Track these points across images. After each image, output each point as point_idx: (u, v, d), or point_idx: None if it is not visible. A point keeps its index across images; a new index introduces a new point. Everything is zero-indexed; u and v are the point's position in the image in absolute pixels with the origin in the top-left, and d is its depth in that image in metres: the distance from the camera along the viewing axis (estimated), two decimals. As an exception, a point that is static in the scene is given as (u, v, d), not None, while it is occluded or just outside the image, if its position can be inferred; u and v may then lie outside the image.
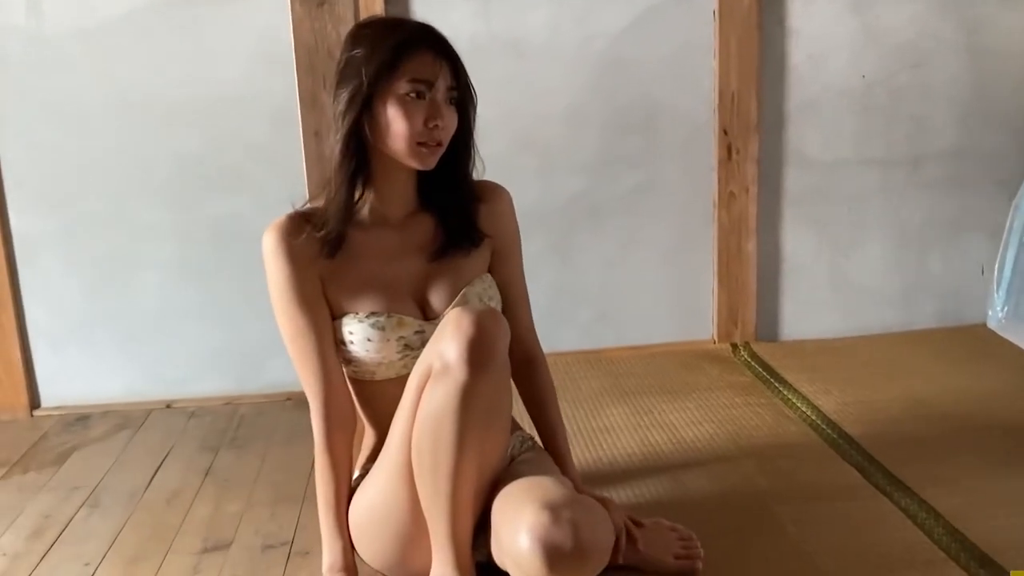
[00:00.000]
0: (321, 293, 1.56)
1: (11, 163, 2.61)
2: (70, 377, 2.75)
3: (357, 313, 1.55)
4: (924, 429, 2.26)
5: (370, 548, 1.61)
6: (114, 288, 2.72)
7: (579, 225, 2.85)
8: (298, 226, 1.55)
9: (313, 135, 1.67)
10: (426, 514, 1.47)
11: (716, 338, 2.93)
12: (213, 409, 2.74)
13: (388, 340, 1.54)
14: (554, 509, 1.32)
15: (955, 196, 2.99)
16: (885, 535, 1.77)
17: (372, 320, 1.54)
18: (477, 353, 1.35)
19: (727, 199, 2.84)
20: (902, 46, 2.86)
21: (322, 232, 1.53)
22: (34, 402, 2.76)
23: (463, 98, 1.55)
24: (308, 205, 1.61)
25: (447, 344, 1.36)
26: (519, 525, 1.33)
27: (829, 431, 2.26)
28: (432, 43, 1.50)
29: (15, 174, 2.62)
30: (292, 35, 1.66)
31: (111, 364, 2.76)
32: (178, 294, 2.73)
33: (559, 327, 2.87)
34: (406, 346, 1.55)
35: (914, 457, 2.10)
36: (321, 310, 1.56)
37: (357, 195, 1.54)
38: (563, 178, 2.81)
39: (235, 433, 2.57)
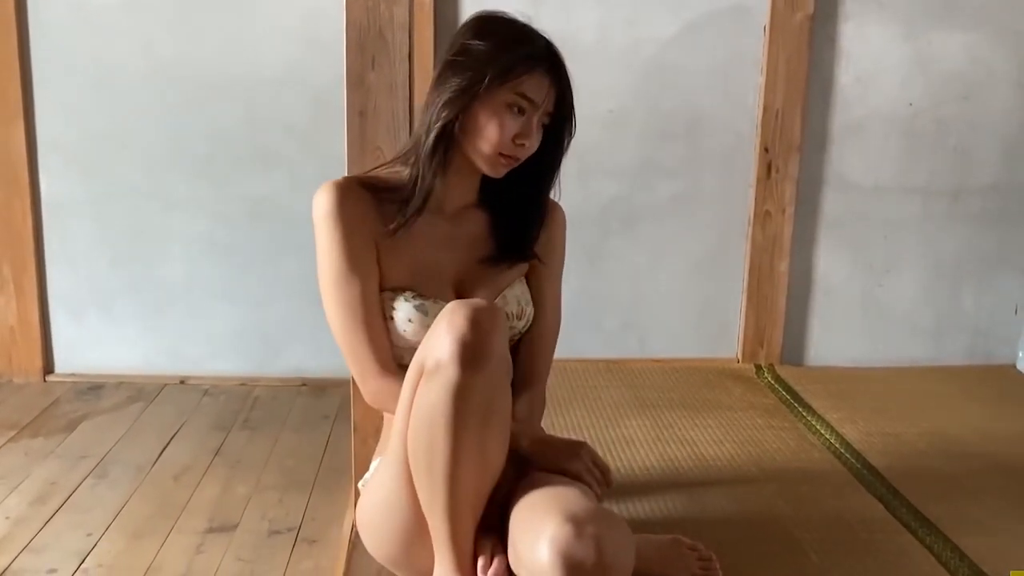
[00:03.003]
0: (375, 261, 1.50)
1: (46, 127, 2.60)
2: (86, 345, 2.73)
3: (404, 291, 1.51)
4: (950, 466, 2.20)
5: (376, 542, 1.56)
6: (139, 259, 2.70)
7: (612, 231, 2.81)
8: (356, 190, 1.50)
9: (358, 115, 1.63)
10: (426, 515, 1.42)
11: (740, 357, 2.89)
12: (228, 389, 2.72)
13: (427, 326, 1.50)
14: (577, 523, 1.26)
15: (994, 232, 2.94)
16: (909, 572, 1.72)
17: (417, 302, 1.50)
18: (470, 351, 1.28)
19: (763, 217, 2.79)
20: (952, 76, 2.81)
21: (398, 210, 1.49)
22: (48, 367, 2.74)
23: (561, 124, 1.53)
24: (371, 172, 1.57)
25: (439, 340, 1.30)
26: (540, 536, 1.27)
27: (853, 461, 2.20)
28: (554, 69, 1.47)
29: (49, 138, 2.61)
30: (344, 12, 1.62)
31: (129, 335, 2.74)
32: (203, 270, 2.71)
33: (583, 333, 2.83)
34: None
35: (939, 494, 2.04)
36: (371, 280, 1.50)
37: (437, 181, 1.50)
38: (600, 183, 2.77)
39: (248, 415, 2.54)
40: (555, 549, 1.24)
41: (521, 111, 1.46)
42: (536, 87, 1.45)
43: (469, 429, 1.32)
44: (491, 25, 1.50)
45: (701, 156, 2.79)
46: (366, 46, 1.65)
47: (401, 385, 1.46)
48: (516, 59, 1.44)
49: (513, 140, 1.46)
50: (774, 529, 1.87)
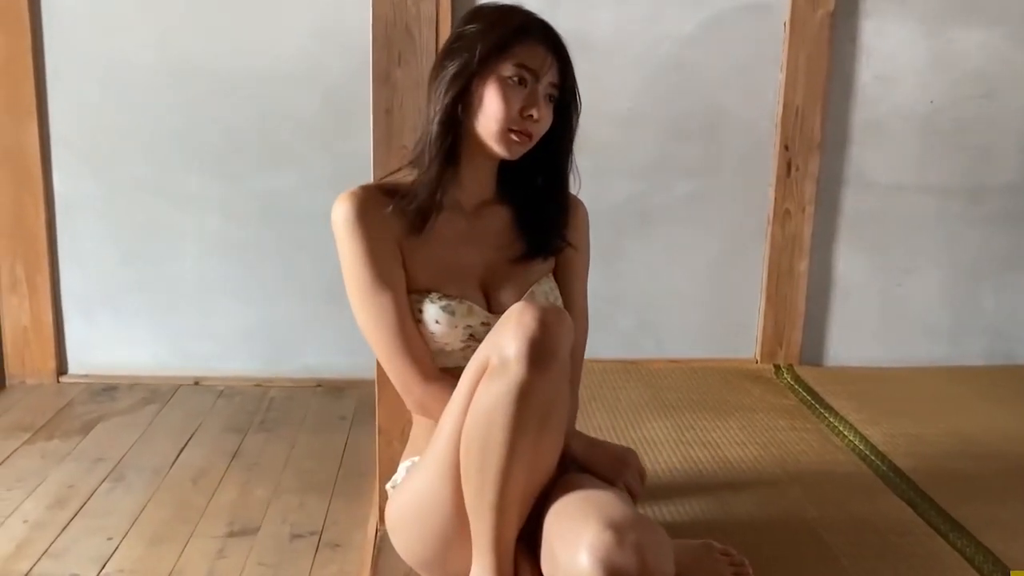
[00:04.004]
0: (401, 266, 1.48)
1: (59, 122, 2.58)
2: (99, 345, 2.71)
3: (429, 293, 1.48)
4: (976, 468, 2.18)
5: (408, 544, 1.54)
6: (151, 257, 2.67)
7: (628, 230, 2.78)
8: (375, 197, 1.48)
9: (384, 112, 1.60)
10: (469, 515, 1.40)
11: (759, 357, 2.86)
12: (242, 390, 2.69)
13: (456, 326, 1.48)
14: (619, 530, 1.24)
15: (1013, 231, 2.91)
16: (943, 577, 1.70)
17: (443, 303, 1.48)
18: (537, 351, 1.27)
19: (782, 216, 2.77)
20: (972, 74, 2.79)
21: (411, 205, 1.46)
22: (61, 368, 2.71)
23: (566, 102, 1.50)
24: (387, 179, 1.55)
25: (507, 339, 1.29)
26: (580, 543, 1.25)
27: (878, 462, 2.18)
28: (547, 37, 1.46)
29: (61, 133, 2.58)
30: (371, 8, 1.60)
31: (142, 335, 2.71)
32: (216, 268, 2.69)
33: (599, 333, 2.76)
34: (471, 336, 1.49)
35: (968, 497, 2.01)
36: (400, 288, 1.48)
37: (449, 172, 1.48)
38: (616, 181, 2.74)
39: (264, 416, 2.51)
40: (596, 557, 1.22)
41: (523, 82, 1.44)
42: (532, 54, 1.44)
43: (527, 430, 1.30)
44: (481, 10, 1.51)
45: (719, 155, 2.76)
46: (393, 42, 1.63)
47: (445, 390, 1.45)
48: (508, 30, 1.44)
49: (521, 113, 1.44)
50: (803, 533, 1.84)
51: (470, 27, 1.47)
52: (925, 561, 1.74)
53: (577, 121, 1.54)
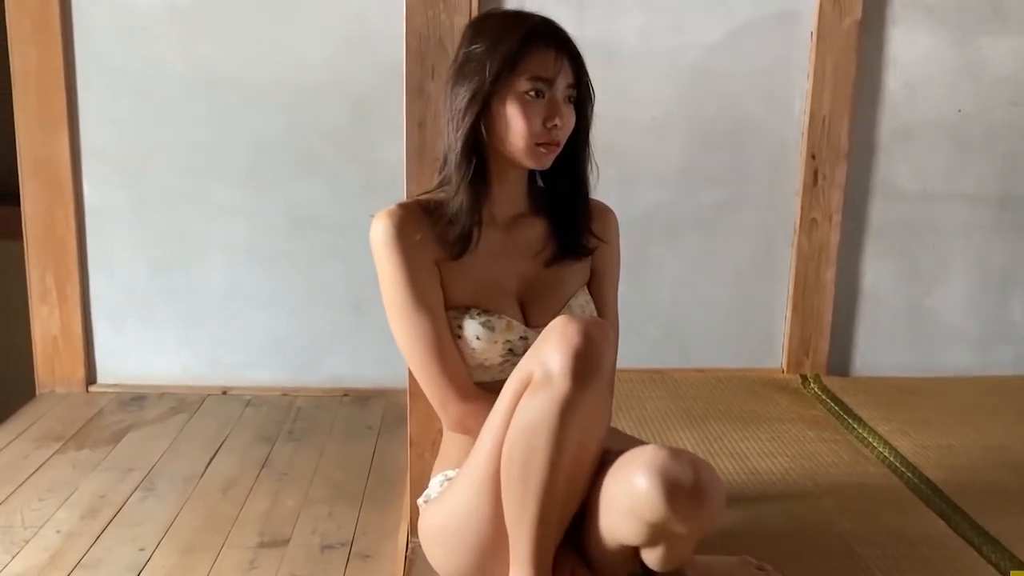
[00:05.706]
0: (439, 285, 1.48)
1: (89, 133, 2.60)
2: (128, 354, 2.73)
3: (469, 309, 1.48)
4: (1008, 480, 2.16)
5: (444, 558, 1.54)
6: (180, 267, 2.69)
7: (654, 239, 2.78)
8: (413, 215, 1.48)
9: (417, 126, 1.61)
10: (509, 528, 1.40)
11: (785, 367, 2.85)
12: (270, 399, 2.70)
13: (495, 342, 1.48)
14: (672, 449, 1.28)
15: (1042, 241, 2.89)
16: (980, 592, 1.69)
17: (483, 319, 1.48)
18: (582, 365, 1.28)
19: (809, 225, 2.76)
20: (1001, 82, 2.77)
21: (453, 234, 1.46)
22: (90, 377, 2.73)
23: (581, 97, 1.49)
24: (423, 196, 1.55)
25: (551, 353, 1.29)
26: (635, 468, 1.28)
27: (909, 475, 2.17)
28: (554, 40, 1.44)
29: (93, 144, 2.60)
30: (404, 21, 1.61)
31: (170, 344, 2.73)
32: (244, 278, 2.70)
33: (625, 342, 2.78)
34: (510, 351, 1.49)
35: (1001, 509, 2.00)
36: (438, 307, 1.48)
37: (481, 195, 1.48)
38: (642, 189, 2.74)
39: (292, 426, 2.52)
40: (653, 470, 1.25)
41: (539, 94, 1.43)
42: (543, 63, 1.42)
43: (570, 444, 1.31)
44: (483, 24, 1.49)
45: (746, 163, 2.76)
46: (426, 56, 1.63)
47: (483, 407, 1.45)
48: (514, 43, 1.42)
49: (544, 125, 1.43)
50: (836, 546, 1.83)
51: (476, 46, 1.45)
52: (961, 575, 1.73)
53: (592, 111, 1.52)
